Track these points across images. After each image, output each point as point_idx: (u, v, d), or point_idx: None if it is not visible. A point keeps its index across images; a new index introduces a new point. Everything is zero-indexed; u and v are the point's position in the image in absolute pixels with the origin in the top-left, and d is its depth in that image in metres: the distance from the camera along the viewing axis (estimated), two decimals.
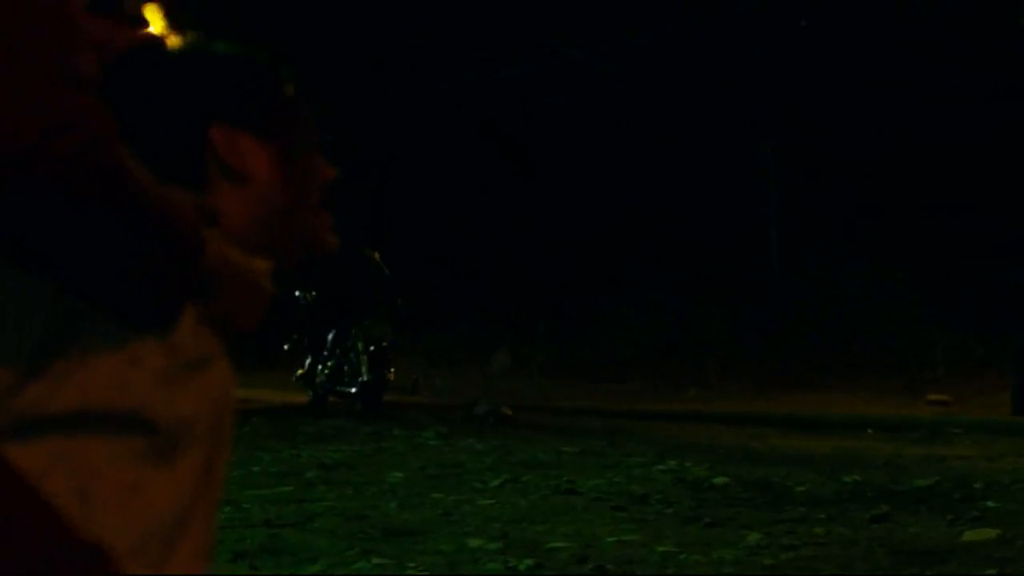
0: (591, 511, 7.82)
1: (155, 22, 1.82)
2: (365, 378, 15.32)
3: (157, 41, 1.79)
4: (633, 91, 27.29)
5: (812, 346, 21.68)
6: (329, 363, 16.20)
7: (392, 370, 15.60)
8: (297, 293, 16.69)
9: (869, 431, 12.05)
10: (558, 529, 7.21)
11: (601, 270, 28.55)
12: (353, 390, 15.62)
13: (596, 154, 29.09)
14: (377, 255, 16.38)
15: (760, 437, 11.58)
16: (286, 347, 17.35)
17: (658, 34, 24.79)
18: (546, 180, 29.81)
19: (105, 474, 1.46)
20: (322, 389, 16.33)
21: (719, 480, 8.61)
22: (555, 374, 25.53)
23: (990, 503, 7.75)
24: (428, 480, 9.04)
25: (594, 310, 27.04)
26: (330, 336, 16.21)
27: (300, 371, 16.73)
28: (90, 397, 1.47)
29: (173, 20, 1.87)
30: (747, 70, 25.11)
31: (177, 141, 1.71)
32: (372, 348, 15.29)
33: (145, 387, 1.50)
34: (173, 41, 1.80)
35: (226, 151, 1.70)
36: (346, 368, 15.88)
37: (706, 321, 24.66)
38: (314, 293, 16.64)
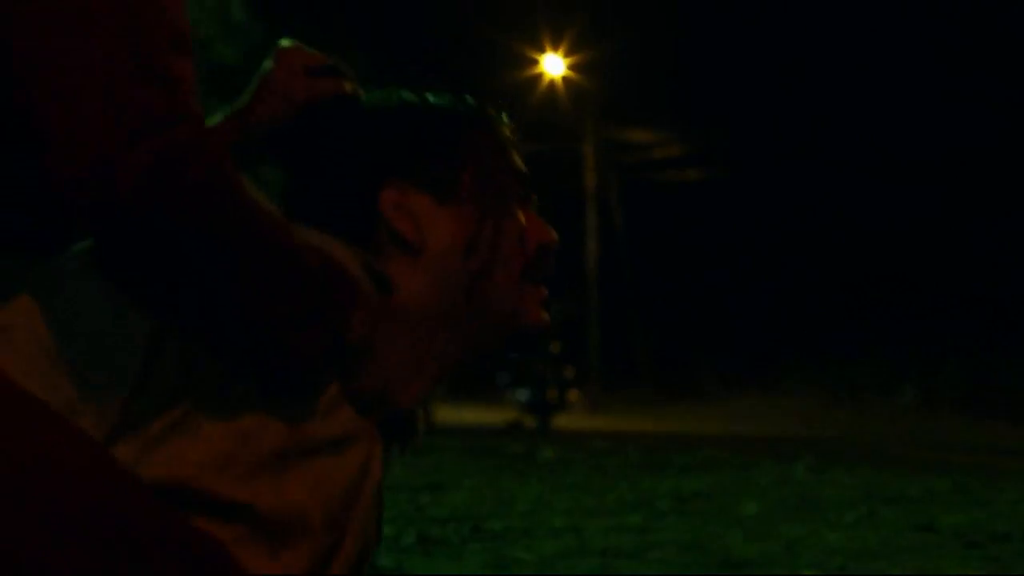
0: (943, 548, 7.41)
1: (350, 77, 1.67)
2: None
3: (349, 94, 1.65)
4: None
5: None
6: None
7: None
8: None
9: None
10: (902, 565, 6.85)
11: (1017, 301, 27.23)
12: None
13: (999, 176, 27.88)
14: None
15: None
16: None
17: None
18: (961, 206, 28.74)
19: (207, 554, 1.30)
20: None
21: None
22: (964, 410, 24.51)
23: None
24: (783, 512, 8.78)
25: (1009, 342, 25.74)
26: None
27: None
28: (184, 472, 1.30)
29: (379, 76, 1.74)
30: None
31: (346, 199, 1.54)
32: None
33: (248, 468, 1.32)
34: (367, 95, 1.66)
35: (395, 216, 1.52)
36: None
37: None
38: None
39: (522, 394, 22.43)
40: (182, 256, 1.25)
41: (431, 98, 1.61)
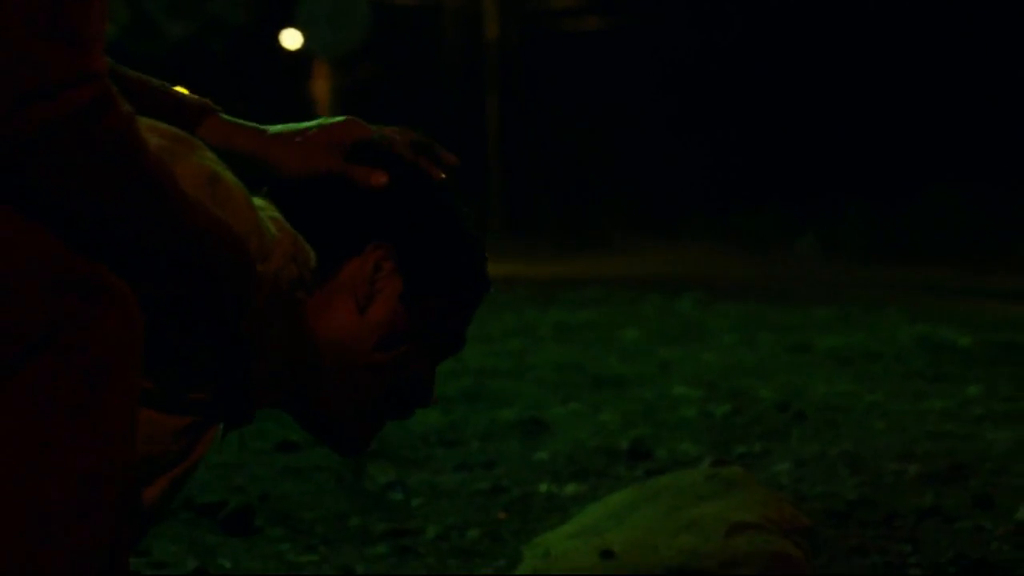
0: (816, 366, 7.51)
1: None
2: None
3: (425, 175, 1.70)
4: None
5: None
6: None
7: None
8: None
9: None
10: (773, 381, 6.93)
11: (919, 148, 27.40)
12: None
13: (912, 24, 27.93)
14: None
15: None
16: None
17: None
18: (856, 50, 28.79)
19: None
20: None
21: (964, 341, 8.10)
22: (864, 258, 24.72)
23: None
24: (663, 339, 8.83)
25: (909, 190, 25.89)
26: None
27: None
28: None
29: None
30: None
31: (336, 230, 1.63)
32: None
33: None
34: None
35: (365, 273, 1.62)
36: None
37: None
38: None
39: None
40: (80, 214, 1.26)
41: (469, 224, 1.72)
